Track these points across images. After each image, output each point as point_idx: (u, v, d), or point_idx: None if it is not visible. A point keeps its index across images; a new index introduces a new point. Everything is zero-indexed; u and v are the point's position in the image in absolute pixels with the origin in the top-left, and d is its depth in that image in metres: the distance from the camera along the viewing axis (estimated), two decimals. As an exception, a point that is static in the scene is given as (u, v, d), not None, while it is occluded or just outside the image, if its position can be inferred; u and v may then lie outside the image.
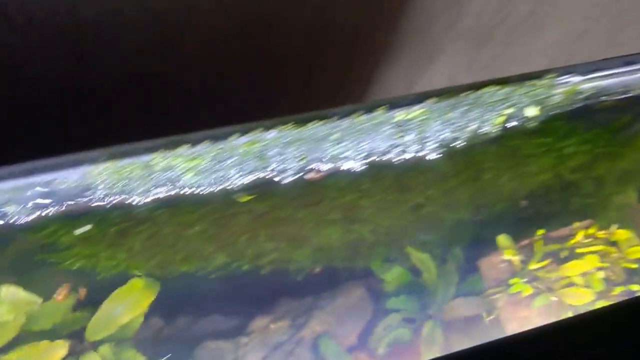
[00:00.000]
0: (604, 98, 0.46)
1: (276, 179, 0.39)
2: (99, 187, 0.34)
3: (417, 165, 0.44)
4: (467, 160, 0.46)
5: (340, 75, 0.90)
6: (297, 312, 0.45)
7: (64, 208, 0.35)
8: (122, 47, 0.67)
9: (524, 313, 0.50)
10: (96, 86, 0.71)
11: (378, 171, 0.43)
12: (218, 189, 0.37)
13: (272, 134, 0.35)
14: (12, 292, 0.40)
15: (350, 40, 0.83)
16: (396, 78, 0.97)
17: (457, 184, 0.48)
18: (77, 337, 0.42)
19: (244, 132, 0.34)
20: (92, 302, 0.41)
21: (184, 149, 0.34)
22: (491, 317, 0.47)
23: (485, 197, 0.49)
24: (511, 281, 0.50)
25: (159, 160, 0.33)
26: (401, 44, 0.89)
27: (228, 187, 0.38)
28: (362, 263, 0.46)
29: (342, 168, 0.41)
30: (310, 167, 0.39)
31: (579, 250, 0.52)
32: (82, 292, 0.42)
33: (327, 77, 0.89)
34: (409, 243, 0.47)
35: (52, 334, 0.41)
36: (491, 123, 0.42)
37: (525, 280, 0.50)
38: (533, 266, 0.50)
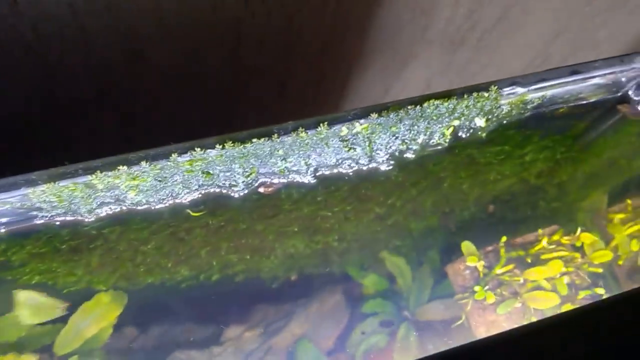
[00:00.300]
0: (554, 106, 0.47)
1: (227, 193, 0.40)
2: (44, 207, 0.35)
3: (371, 177, 0.44)
4: (423, 170, 0.46)
5: (314, 83, 0.91)
6: (273, 319, 0.46)
7: (10, 228, 0.35)
8: (89, 62, 0.67)
9: (491, 317, 0.50)
10: (66, 99, 0.71)
11: (331, 183, 0.43)
12: (167, 204, 0.38)
13: (213, 152, 0.35)
14: (33, 297, 0.40)
15: (322, 48, 0.83)
16: (371, 84, 0.97)
17: (418, 193, 0.48)
18: (46, 351, 0.42)
19: (182, 152, 0.34)
20: (60, 316, 0.42)
21: (123, 169, 0.34)
22: (459, 322, 0.48)
23: (448, 205, 0.50)
24: (475, 288, 0.50)
25: (99, 180, 0.34)
26: (373, 51, 0.89)
27: (177, 203, 0.38)
28: (335, 270, 0.47)
29: (293, 181, 0.41)
30: (259, 181, 0.40)
31: (544, 256, 0.52)
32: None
33: (300, 86, 0.89)
34: (379, 250, 0.47)
35: (18, 347, 0.41)
36: (440, 134, 0.43)
37: (488, 287, 0.50)
38: (498, 271, 0.51)
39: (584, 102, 0.48)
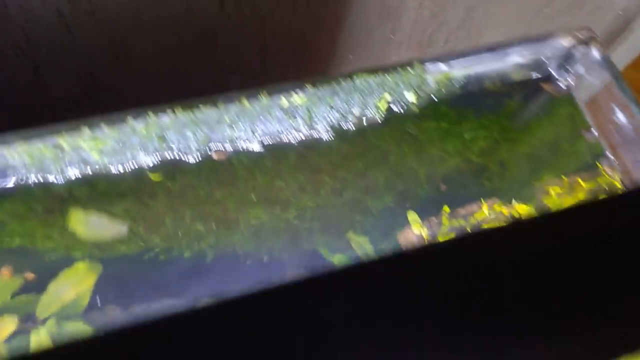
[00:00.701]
0: (481, 84, 0.52)
1: (182, 158, 0.45)
2: (19, 167, 0.40)
3: (315, 147, 0.49)
4: (365, 142, 0.52)
5: (290, 83, 0.96)
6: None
7: (-10, 187, 0.41)
8: (75, 64, 0.73)
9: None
10: (56, 100, 0.77)
11: (279, 151, 0.48)
12: (128, 168, 0.43)
13: (165, 117, 0.40)
14: (89, 217, 0.45)
15: (296, 49, 0.89)
16: (346, 85, 1.03)
17: (365, 166, 0.54)
18: (28, 315, 0.47)
19: (137, 116, 0.40)
20: (41, 283, 0.47)
21: (86, 132, 0.39)
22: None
23: (392, 176, 0.55)
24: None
25: (65, 141, 0.39)
26: (346, 52, 0.95)
27: (137, 166, 0.43)
28: (305, 247, 0.52)
29: (243, 148, 0.46)
30: (212, 146, 0.45)
31: (484, 226, 0.57)
32: (30, 274, 0.48)
33: (277, 85, 0.95)
34: (340, 222, 0.52)
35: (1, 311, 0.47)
36: (375, 107, 0.48)
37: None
38: (440, 238, 0.56)
39: (511, 80, 0.53)
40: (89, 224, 0.43)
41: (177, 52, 0.79)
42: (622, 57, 1.23)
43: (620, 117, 0.50)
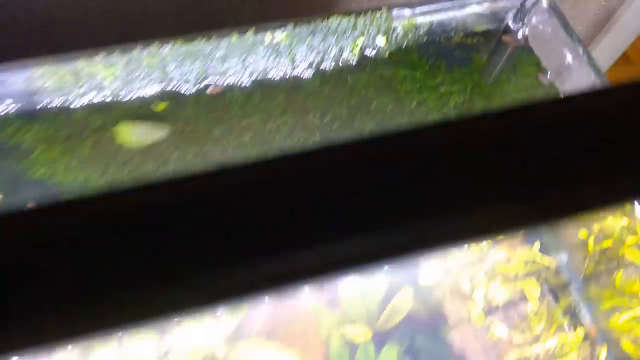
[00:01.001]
0: (445, 34, 0.59)
1: (182, 91, 0.52)
2: (43, 90, 0.47)
3: (299, 87, 0.56)
4: (346, 86, 0.58)
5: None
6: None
7: (20, 107, 0.48)
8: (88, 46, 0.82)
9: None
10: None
11: (267, 88, 0.55)
12: (135, 96, 0.50)
13: (167, 48, 0.48)
14: (134, 127, 0.52)
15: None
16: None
17: (349, 114, 0.60)
18: None
19: (144, 47, 0.47)
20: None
21: (100, 58, 0.47)
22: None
23: (380, 130, 0.62)
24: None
25: (84, 66, 0.47)
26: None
27: (143, 95, 0.51)
28: None
29: (235, 83, 0.54)
30: (208, 80, 0.52)
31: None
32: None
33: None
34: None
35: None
36: (350, 49, 0.55)
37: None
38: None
39: (474, 31, 0.60)
40: (135, 133, 0.50)
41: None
42: (607, 48, 1.29)
43: (569, 59, 0.57)
